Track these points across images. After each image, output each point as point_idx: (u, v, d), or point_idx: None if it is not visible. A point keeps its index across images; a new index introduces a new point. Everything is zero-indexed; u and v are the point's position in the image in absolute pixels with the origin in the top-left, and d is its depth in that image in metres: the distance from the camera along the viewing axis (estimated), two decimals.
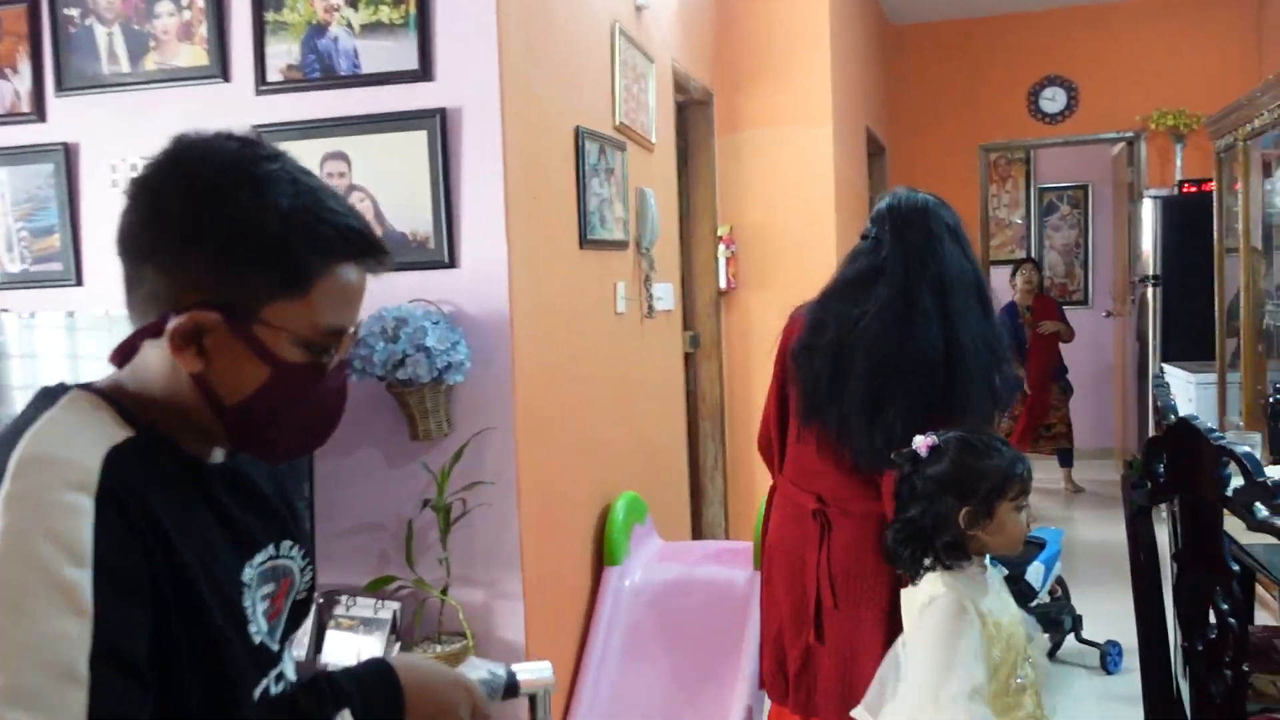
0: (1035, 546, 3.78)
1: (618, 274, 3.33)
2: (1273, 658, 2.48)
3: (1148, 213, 6.26)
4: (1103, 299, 8.11)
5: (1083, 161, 8.28)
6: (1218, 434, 1.87)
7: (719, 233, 4.75)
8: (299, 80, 2.59)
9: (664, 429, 3.84)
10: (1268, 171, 4.76)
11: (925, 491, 1.91)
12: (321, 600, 2.53)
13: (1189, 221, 5.95)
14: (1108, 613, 4.26)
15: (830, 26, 4.75)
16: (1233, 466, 1.85)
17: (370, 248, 1.04)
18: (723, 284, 4.75)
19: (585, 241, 3.01)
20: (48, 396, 1.01)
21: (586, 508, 3.00)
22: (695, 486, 4.85)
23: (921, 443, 1.94)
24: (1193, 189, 6.20)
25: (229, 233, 0.96)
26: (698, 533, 4.82)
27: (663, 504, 3.72)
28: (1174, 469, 2.02)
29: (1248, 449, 1.86)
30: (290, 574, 1.18)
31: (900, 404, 2.12)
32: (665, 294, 3.84)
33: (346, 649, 2.49)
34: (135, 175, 1.00)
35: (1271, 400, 3.36)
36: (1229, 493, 1.84)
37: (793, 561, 2.33)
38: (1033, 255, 8.28)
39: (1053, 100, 6.91)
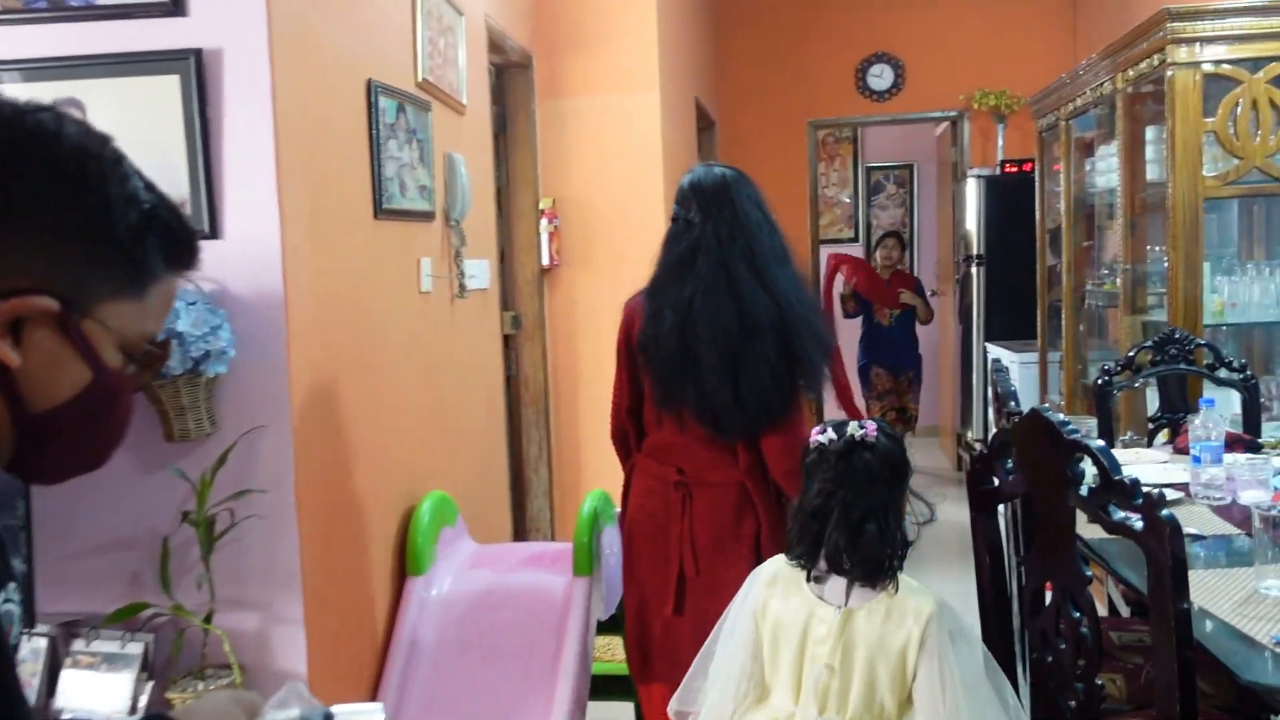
0: None
1: (422, 248, 2.99)
2: (1110, 654, 2.37)
3: (971, 192, 6.30)
4: (928, 278, 8.20)
5: (908, 141, 8.35)
6: (1071, 427, 1.70)
7: (541, 206, 4.45)
8: (18, 11, 2.14)
9: (480, 418, 3.52)
10: (1089, 151, 4.79)
11: (880, 477, 1.79)
12: (55, 634, 2.12)
13: (1011, 201, 6.01)
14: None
15: None
16: (1087, 462, 1.68)
17: (196, 256, 0.97)
18: (545, 261, 4.46)
19: (381, 211, 2.66)
20: None
21: (385, 512, 2.66)
22: (518, 479, 4.56)
23: (864, 426, 1.82)
24: (1014, 169, 6.26)
25: (92, 219, 0.85)
26: (521, 528, 4.53)
27: (479, 501, 3.41)
28: (1023, 463, 1.84)
29: (1103, 443, 1.69)
30: (6, 624, 0.92)
31: (758, 370, 2.25)
32: (480, 271, 3.51)
33: (87, 692, 2.09)
34: None
35: (1099, 383, 3.30)
36: (1083, 492, 1.67)
37: (655, 533, 2.45)
38: (859, 234, 8.31)
39: (880, 77, 6.88)
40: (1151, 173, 3.99)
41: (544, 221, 4.44)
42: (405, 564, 2.70)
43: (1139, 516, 1.59)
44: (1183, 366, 3.28)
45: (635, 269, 4.69)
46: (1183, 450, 2.94)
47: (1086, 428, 2.68)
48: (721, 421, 2.31)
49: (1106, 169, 4.45)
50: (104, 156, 0.87)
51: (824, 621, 1.79)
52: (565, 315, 4.59)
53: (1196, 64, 3.43)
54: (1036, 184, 5.37)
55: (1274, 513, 1.83)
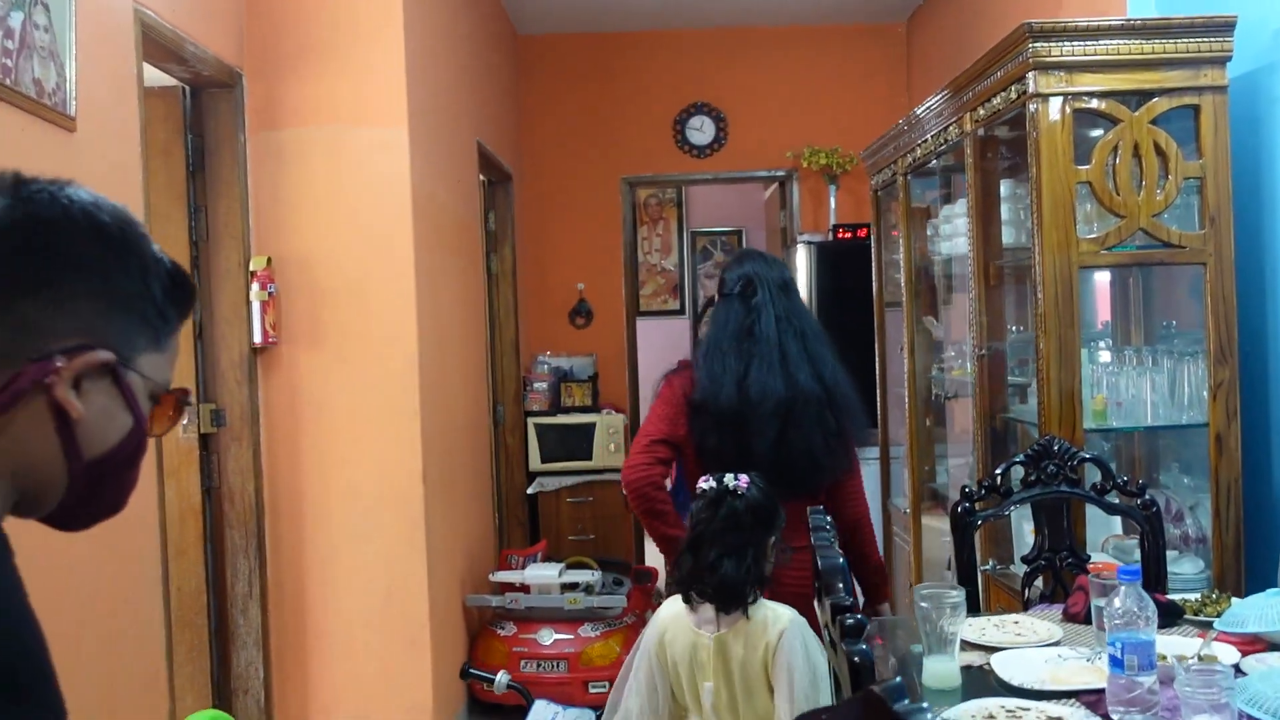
0: None
1: None
2: None
3: (801, 260, 5.55)
4: None
5: (737, 204, 7.67)
6: None
7: (252, 267, 3.42)
8: None
9: (109, 570, 2.43)
10: (931, 212, 4.06)
11: (744, 523, 2.15)
12: None
13: (845, 270, 5.28)
14: None
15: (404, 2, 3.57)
16: None
17: (194, 306, 1.14)
18: (257, 338, 3.41)
19: None
20: None
21: None
22: (222, 623, 3.46)
23: (739, 479, 2.19)
24: (848, 235, 5.56)
25: (135, 280, 0.92)
26: (224, 693, 3.42)
27: (97, 699, 2.31)
28: None
29: None
30: None
31: (807, 434, 2.54)
32: None
33: None
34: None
35: (959, 510, 2.47)
36: None
37: None
38: (684, 305, 7.52)
39: (700, 131, 6.12)
40: (1007, 236, 3.25)
41: (255, 287, 3.41)
42: None
43: None
44: (1064, 488, 2.47)
45: (377, 347, 3.67)
46: (1076, 617, 2.11)
47: (951, 601, 1.80)
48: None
49: (952, 232, 3.71)
50: (136, 222, 0.94)
51: (703, 648, 2.13)
52: (286, 407, 3.54)
53: (1065, 95, 2.69)
54: (872, 251, 4.62)
55: None
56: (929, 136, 3.63)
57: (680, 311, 7.70)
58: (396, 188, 3.54)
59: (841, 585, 1.58)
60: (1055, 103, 2.69)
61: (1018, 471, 2.50)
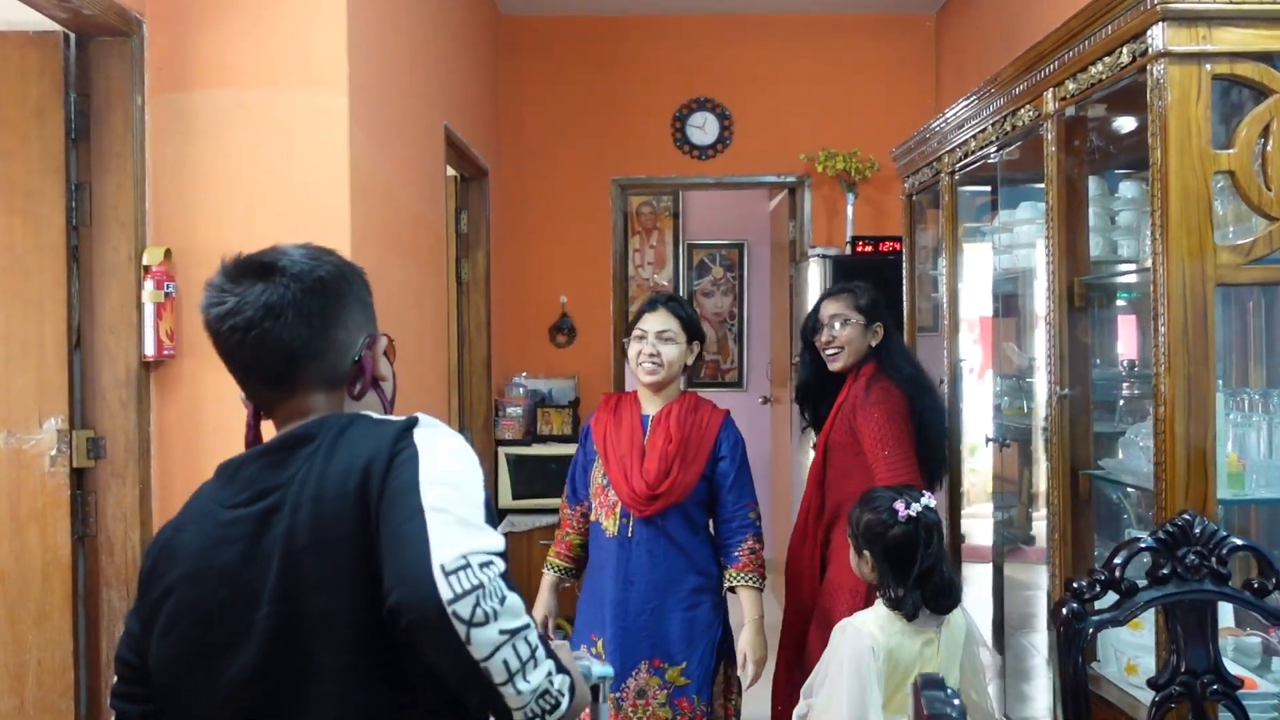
0: None
1: None
2: None
3: (814, 276, 4.88)
4: (759, 381, 6.78)
5: (738, 215, 7.00)
6: None
7: (147, 261, 2.73)
8: None
9: None
10: (979, 219, 3.40)
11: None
12: None
13: None
14: None
15: None
16: None
17: None
18: (150, 349, 2.72)
19: None
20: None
21: None
22: (94, 708, 2.77)
23: (927, 495, 2.33)
24: (868, 249, 4.89)
25: (360, 289, 1.47)
26: None
27: None
28: None
29: None
30: None
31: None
32: None
33: None
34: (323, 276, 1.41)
35: (1067, 614, 1.78)
36: None
37: None
38: None
39: (702, 129, 5.45)
40: (1096, 246, 2.58)
41: (150, 285, 2.72)
42: None
43: None
44: (1208, 586, 1.79)
45: None
46: None
47: None
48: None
49: (1012, 242, 3.04)
50: (339, 263, 1.45)
51: (931, 643, 2.24)
52: (183, 436, 2.83)
53: (1203, 56, 2.02)
54: (904, 266, 3.95)
55: None
56: (988, 125, 2.96)
57: None
58: (331, 167, 2.85)
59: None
60: (1190, 66, 2.03)
61: (1142, 559, 1.82)
